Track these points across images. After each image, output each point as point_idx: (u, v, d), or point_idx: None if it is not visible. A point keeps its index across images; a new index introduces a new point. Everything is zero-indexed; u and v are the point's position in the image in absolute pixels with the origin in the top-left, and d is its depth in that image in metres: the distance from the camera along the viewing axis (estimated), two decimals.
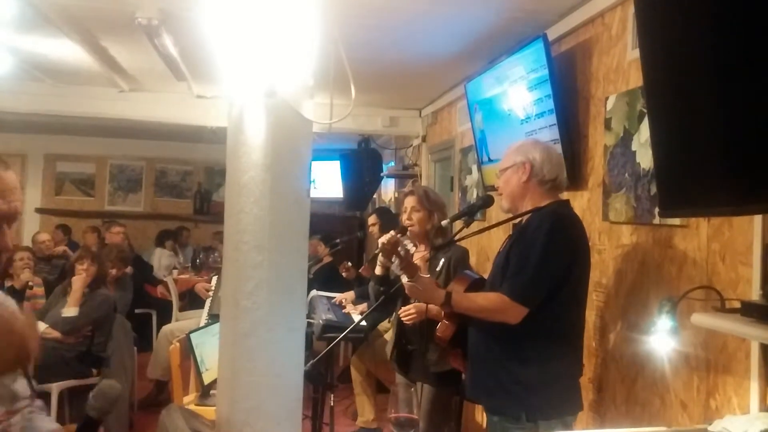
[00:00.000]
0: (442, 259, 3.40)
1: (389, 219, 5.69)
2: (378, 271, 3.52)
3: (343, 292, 5.30)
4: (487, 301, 2.52)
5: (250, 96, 2.30)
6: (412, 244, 3.41)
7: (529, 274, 2.40)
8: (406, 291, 2.72)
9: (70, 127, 9.05)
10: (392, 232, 2.98)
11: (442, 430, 3.51)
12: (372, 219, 5.86)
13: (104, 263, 5.10)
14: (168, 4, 3.42)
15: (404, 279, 2.67)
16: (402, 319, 3.40)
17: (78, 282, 4.68)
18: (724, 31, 1.40)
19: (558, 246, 2.42)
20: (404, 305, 3.39)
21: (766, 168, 1.34)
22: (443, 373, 3.32)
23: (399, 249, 2.65)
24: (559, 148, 3.05)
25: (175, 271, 8.13)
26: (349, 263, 5.89)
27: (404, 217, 3.55)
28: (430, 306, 3.13)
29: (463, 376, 3.09)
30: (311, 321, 4.54)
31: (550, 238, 2.40)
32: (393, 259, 2.62)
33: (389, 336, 4.39)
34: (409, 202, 3.54)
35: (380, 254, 2.89)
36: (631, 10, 2.76)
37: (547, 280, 2.41)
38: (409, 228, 3.45)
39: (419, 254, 3.46)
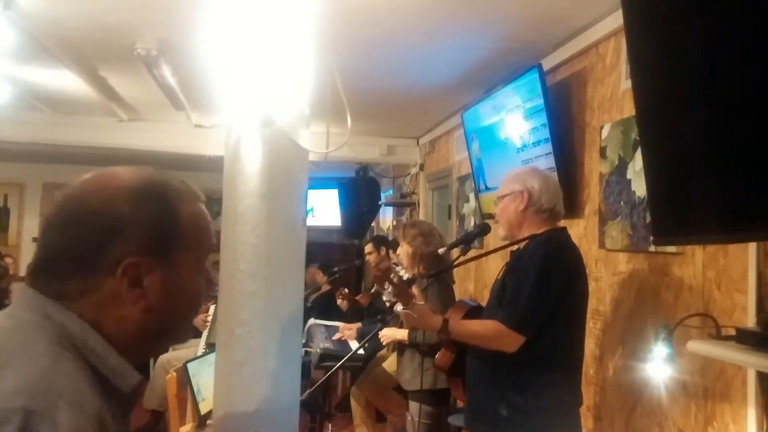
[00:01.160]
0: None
1: (386, 247, 5.69)
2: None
3: (341, 321, 5.26)
4: (484, 328, 2.51)
5: (247, 125, 2.31)
6: (404, 271, 3.47)
7: (525, 302, 2.39)
8: (402, 318, 2.72)
9: (68, 157, 9.05)
10: (386, 261, 3.04)
11: None
12: (368, 248, 5.84)
13: None
14: (167, 34, 3.46)
15: (399, 307, 2.68)
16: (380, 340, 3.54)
17: None
18: (714, 60, 1.42)
19: (553, 273, 2.41)
20: None
21: (759, 195, 1.34)
22: (424, 392, 3.39)
23: (392, 276, 2.65)
24: (555, 176, 3.07)
25: None
26: (346, 290, 5.84)
27: None
28: (398, 330, 3.27)
29: (458, 402, 3.10)
30: (309, 350, 4.52)
31: (544, 265, 2.39)
32: (386, 286, 2.63)
33: (388, 364, 4.39)
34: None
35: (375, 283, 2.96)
36: (624, 40, 2.79)
37: (543, 308, 2.40)
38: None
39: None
